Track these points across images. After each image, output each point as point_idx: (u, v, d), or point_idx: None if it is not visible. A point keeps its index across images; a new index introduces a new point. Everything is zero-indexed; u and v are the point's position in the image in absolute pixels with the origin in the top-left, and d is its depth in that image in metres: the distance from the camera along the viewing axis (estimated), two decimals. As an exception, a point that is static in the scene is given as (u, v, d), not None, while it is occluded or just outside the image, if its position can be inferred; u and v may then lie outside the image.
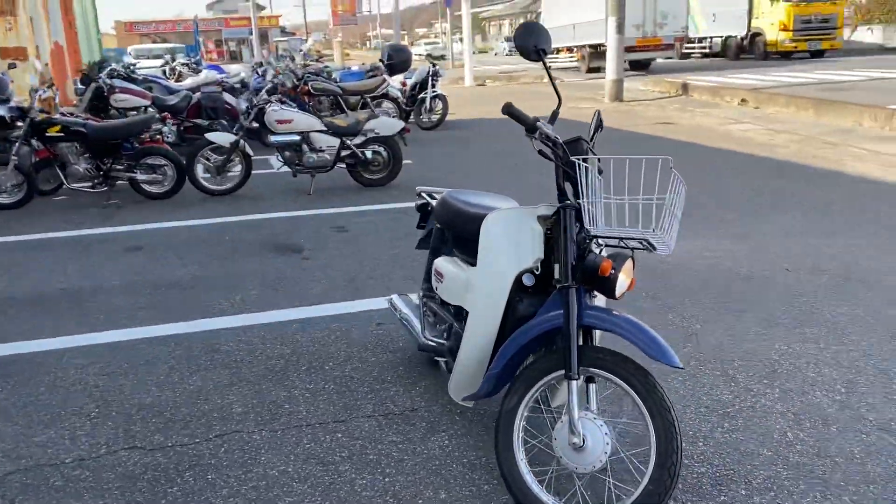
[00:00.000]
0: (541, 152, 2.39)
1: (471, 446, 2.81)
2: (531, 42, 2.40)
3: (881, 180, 7.10)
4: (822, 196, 6.54)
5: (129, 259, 5.46)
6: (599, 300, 2.56)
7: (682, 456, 2.17)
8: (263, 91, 7.56)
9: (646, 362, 2.29)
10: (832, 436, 2.79)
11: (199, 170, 7.46)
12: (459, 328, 2.86)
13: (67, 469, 2.76)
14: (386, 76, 11.35)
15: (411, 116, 12.26)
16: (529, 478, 2.34)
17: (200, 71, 14.19)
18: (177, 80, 13.52)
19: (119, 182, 7.38)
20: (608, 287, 2.30)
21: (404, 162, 7.90)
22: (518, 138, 10.95)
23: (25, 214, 7.01)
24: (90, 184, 7.29)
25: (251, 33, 42.27)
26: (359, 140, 7.51)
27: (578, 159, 2.32)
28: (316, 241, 5.74)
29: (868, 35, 30.04)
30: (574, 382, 2.24)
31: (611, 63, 15.58)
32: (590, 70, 24.30)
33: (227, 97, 10.38)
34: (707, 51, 28.33)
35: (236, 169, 7.54)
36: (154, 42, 42.22)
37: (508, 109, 2.37)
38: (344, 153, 7.50)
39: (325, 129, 7.42)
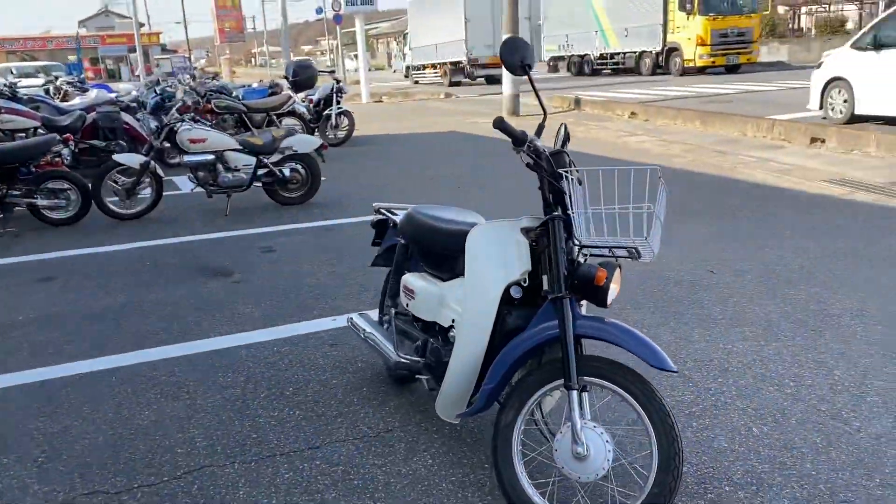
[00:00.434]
0: (529, 165, 2.42)
1: (456, 463, 2.79)
2: (517, 57, 2.43)
3: (774, 186, 7.60)
4: (725, 202, 6.92)
5: (43, 290, 5.11)
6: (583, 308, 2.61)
7: (684, 458, 2.23)
8: (174, 109, 7.27)
9: (635, 366, 2.35)
10: (793, 428, 2.95)
11: (107, 193, 7.08)
12: (437, 344, 2.84)
13: (25, 521, 2.54)
14: (291, 93, 11.17)
15: (316, 133, 12.11)
16: (531, 490, 2.35)
17: (87, 90, 13.47)
18: (62, 100, 12.77)
19: (17, 209, 6.89)
20: (600, 296, 2.35)
21: (319, 179, 7.80)
22: (429, 152, 11.04)
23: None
24: (-17, 212, 6.78)
25: (129, 51, 40.54)
26: (276, 158, 7.35)
27: (566, 171, 2.36)
28: (244, 264, 5.56)
29: (775, 51, 31.20)
30: (574, 392, 2.27)
31: (507, 78, 15.91)
32: (451, 84, 27.86)
33: (126, 117, 9.91)
34: (620, 66, 27.41)
35: (146, 191, 7.21)
36: (23, 60, 39.69)
37: (500, 124, 2.38)
38: (261, 172, 7.32)
39: (240, 147, 7.22)
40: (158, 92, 10.36)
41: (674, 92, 18.19)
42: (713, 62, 23.71)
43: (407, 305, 3.04)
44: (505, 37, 2.48)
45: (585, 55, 28.65)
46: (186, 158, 7.05)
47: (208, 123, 8.18)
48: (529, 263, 2.47)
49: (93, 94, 11.93)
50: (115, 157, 7.07)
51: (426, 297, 2.91)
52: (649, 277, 4.84)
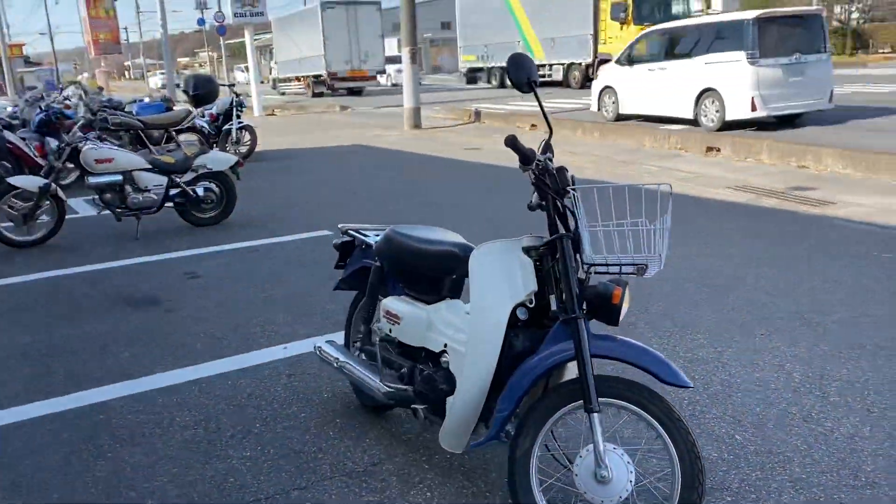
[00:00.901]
0: (535, 183, 2.37)
1: (456, 493, 2.69)
2: (524, 75, 2.38)
3: (683, 194, 7.91)
4: (640, 210, 7.13)
5: (-56, 330, 4.60)
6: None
7: (706, 476, 2.23)
8: (77, 127, 6.77)
9: (643, 381, 2.34)
10: (771, 432, 3.03)
11: (0, 219, 6.50)
12: (428, 370, 2.74)
13: None
14: (191, 107, 10.68)
15: (215, 149, 11.63)
16: (554, 519, 2.29)
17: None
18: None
19: None
20: (613, 315, 2.32)
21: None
22: (341, 167, 10.83)
23: None
24: None
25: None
26: (189, 177, 6.99)
27: (573, 189, 2.33)
28: (170, 291, 5.22)
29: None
30: (596, 415, 2.24)
31: (407, 91, 15.90)
32: (314, 95, 29.60)
33: (9, 135, 9.16)
34: (547, 79, 25.57)
35: (46, 216, 6.67)
36: None
37: (513, 142, 2.33)
38: (173, 192, 6.94)
39: (150, 166, 6.81)
40: (44, 108, 9.66)
41: (571, 105, 18.77)
42: None
43: (390, 331, 2.92)
44: (510, 53, 2.42)
45: None
46: (92, 180, 6.58)
47: (115, 142, 7.67)
48: (536, 284, 2.41)
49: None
50: (11, 180, 6.50)
51: (413, 322, 2.80)
52: (594, 289, 4.89)
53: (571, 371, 2.55)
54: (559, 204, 2.37)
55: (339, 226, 3.37)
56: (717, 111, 12.15)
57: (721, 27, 12.30)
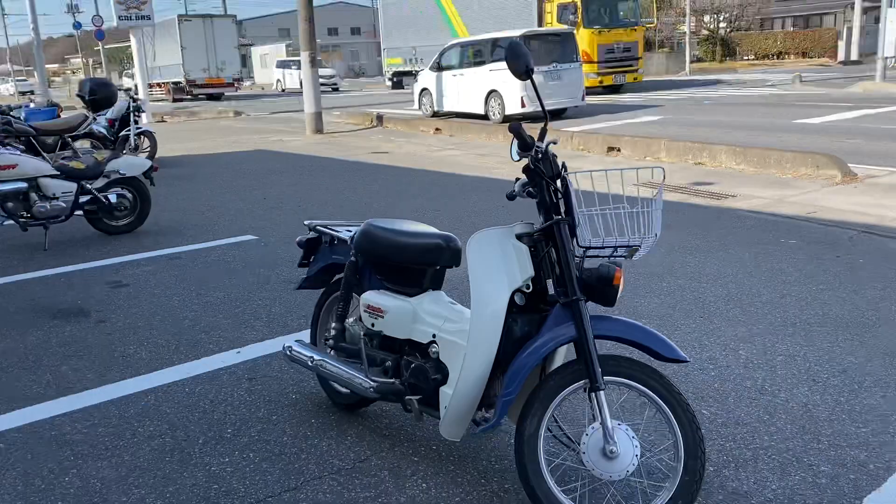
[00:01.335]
0: (530, 168, 2.43)
1: (451, 483, 2.70)
2: (522, 63, 2.43)
3: (605, 193, 8.21)
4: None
5: None
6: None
7: (705, 444, 2.35)
8: (-26, 132, 6.30)
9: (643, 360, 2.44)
10: (734, 405, 3.21)
11: None
12: (417, 362, 2.73)
13: None
14: (88, 112, 10.13)
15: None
16: (567, 500, 2.34)
17: None
18: None
19: None
20: (609, 296, 2.41)
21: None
22: (248, 172, 10.55)
23: None
24: None
25: None
26: (100, 183, 6.64)
27: (567, 174, 2.41)
28: (97, 302, 4.94)
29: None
30: (602, 393, 2.31)
31: (308, 96, 15.68)
32: (175, 100, 30.65)
33: None
34: None
35: (-60, 228, 6.18)
36: None
37: (517, 129, 2.39)
38: (83, 199, 6.57)
39: (57, 172, 6.42)
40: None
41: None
42: (600, 82, 21.05)
43: (372, 325, 2.89)
44: (508, 42, 2.48)
45: None
46: (-6, 187, 6.13)
47: (20, 148, 7.18)
48: (532, 269, 2.47)
49: None
50: None
51: (399, 315, 2.80)
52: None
53: (561, 356, 2.63)
54: (552, 189, 2.43)
55: (306, 222, 3.31)
56: (499, 107, 15.56)
57: (500, 42, 15.63)
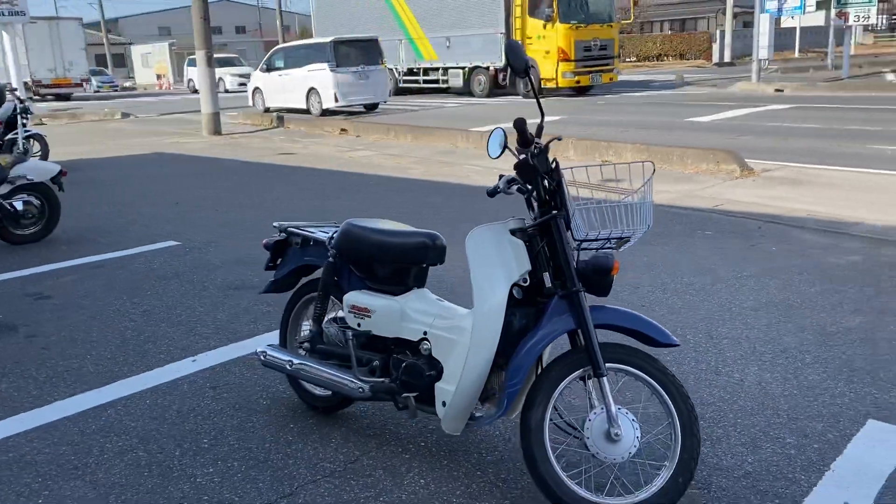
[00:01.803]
0: (523, 164, 2.50)
1: (449, 477, 2.73)
2: (522, 62, 2.48)
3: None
4: (480, 207, 7.46)
5: None
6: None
7: (699, 424, 2.48)
8: None
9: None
10: (696, 386, 3.40)
11: None
12: (408, 360, 2.74)
13: None
14: (-29, 115, 9.44)
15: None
16: (574, 485, 2.42)
17: None
18: None
19: None
20: (605, 286, 2.51)
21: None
22: (152, 176, 10.12)
23: None
24: None
25: None
26: (5, 189, 6.22)
27: (563, 169, 2.49)
28: (21, 316, 4.64)
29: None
30: (605, 379, 2.41)
31: (205, 96, 15.17)
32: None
33: None
34: (440, 84, 22.56)
35: None
36: None
37: (521, 125, 2.45)
38: (-14, 207, 6.14)
39: (-44, 179, 5.98)
40: None
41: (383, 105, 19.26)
42: (577, 81, 19.69)
43: (358, 325, 2.88)
44: (508, 43, 2.53)
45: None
46: None
47: None
48: (528, 263, 2.54)
49: None
50: None
51: (387, 314, 2.80)
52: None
53: (548, 349, 2.71)
54: (545, 185, 2.51)
55: (276, 223, 3.25)
56: (318, 103, 17.92)
57: (317, 46, 18.33)
